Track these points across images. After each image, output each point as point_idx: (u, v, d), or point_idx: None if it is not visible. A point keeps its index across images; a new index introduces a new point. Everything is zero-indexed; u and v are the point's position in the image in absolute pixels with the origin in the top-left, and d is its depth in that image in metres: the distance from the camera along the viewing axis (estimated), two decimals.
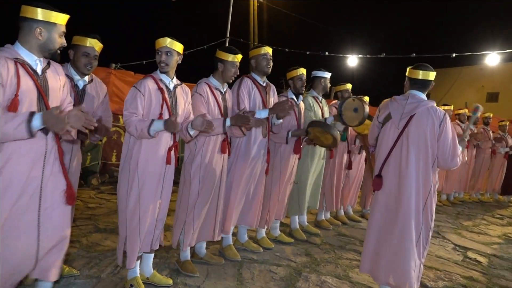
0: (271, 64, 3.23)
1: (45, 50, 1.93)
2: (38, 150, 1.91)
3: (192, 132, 2.52)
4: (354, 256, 3.61)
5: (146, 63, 6.72)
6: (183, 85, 2.66)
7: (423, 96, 2.58)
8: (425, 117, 2.46)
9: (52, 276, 2.07)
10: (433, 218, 2.52)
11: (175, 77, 2.58)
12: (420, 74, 2.55)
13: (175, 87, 2.56)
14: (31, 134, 1.75)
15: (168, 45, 2.43)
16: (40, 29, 1.87)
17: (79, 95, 2.52)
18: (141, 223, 2.48)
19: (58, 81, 2.05)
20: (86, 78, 2.58)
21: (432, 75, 2.57)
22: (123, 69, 6.13)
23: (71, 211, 2.17)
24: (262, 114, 3.09)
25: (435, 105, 2.54)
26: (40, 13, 1.85)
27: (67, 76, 2.26)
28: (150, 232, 2.56)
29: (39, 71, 1.94)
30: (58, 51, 1.98)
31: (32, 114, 1.74)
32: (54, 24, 1.91)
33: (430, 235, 2.53)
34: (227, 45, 7.53)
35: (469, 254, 3.97)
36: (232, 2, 7.62)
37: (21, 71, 1.84)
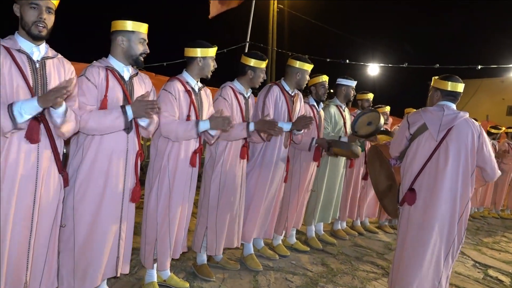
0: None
1: (128, 56, 2.15)
2: (120, 147, 2.12)
3: (213, 133, 2.51)
4: (371, 268, 3.54)
5: (166, 65, 6.80)
6: (205, 87, 2.68)
7: (455, 107, 2.53)
8: (465, 129, 2.41)
9: (125, 269, 2.31)
10: (465, 231, 2.45)
11: (199, 80, 2.60)
12: (449, 86, 2.50)
13: (199, 89, 2.58)
14: (127, 124, 2.05)
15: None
16: (122, 37, 2.12)
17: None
18: (171, 226, 2.48)
19: (143, 88, 2.28)
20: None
21: (461, 87, 2.52)
22: (144, 70, 6.19)
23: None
24: (285, 126, 3.05)
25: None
26: (120, 24, 2.12)
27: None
28: (179, 236, 2.57)
29: (126, 77, 2.18)
30: (141, 58, 2.17)
31: (123, 106, 2.04)
32: (133, 32, 2.12)
33: (460, 248, 2.46)
34: (246, 49, 7.52)
35: (490, 272, 3.86)
36: (253, 6, 7.61)
37: (110, 76, 2.11)
